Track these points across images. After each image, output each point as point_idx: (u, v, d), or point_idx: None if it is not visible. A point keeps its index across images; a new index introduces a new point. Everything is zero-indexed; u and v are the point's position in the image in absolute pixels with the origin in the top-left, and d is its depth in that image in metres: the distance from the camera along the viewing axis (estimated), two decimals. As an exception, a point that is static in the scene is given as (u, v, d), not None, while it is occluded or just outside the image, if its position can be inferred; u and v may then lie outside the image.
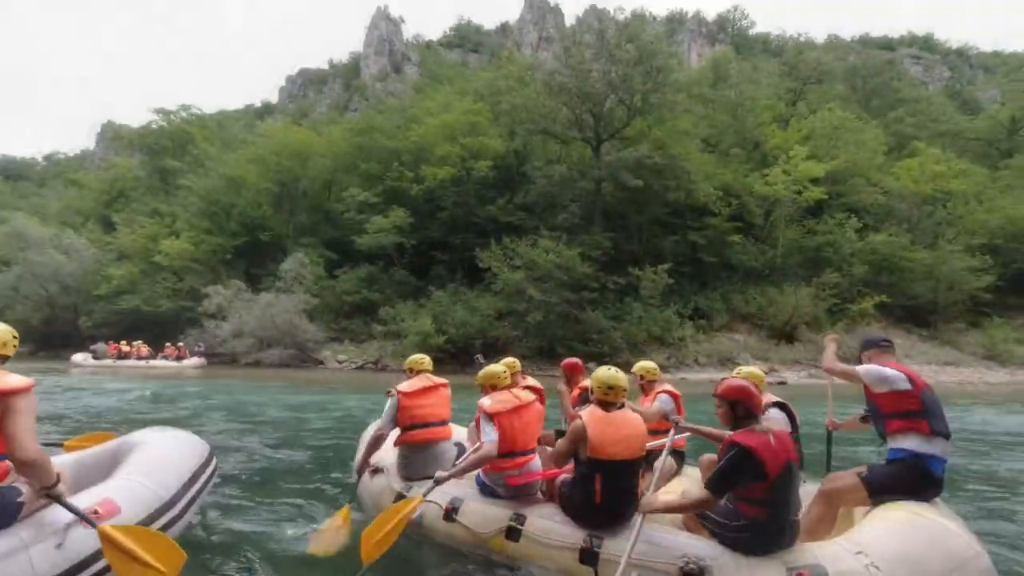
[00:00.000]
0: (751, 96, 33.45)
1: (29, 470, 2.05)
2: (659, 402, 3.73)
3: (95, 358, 22.56)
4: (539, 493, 3.06)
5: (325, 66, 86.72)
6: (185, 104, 44.30)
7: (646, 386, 3.99)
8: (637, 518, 2.42)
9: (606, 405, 2.69)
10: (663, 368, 20.37)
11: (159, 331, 26.94)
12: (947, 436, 2.49)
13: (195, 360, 23.11)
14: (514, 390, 3.28)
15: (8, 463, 2.09)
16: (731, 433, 2.31)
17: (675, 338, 22.18)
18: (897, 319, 24.94)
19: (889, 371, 2.57)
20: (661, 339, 22.09)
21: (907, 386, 2.52)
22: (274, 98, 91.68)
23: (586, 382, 3.97)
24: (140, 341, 24.37)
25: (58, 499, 2.17)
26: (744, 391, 2.33)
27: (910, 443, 2.47)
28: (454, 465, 3.11)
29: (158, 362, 22.42)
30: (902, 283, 24.67)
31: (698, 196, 25.59)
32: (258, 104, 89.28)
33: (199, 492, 2.86)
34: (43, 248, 30.22)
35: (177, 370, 21.05)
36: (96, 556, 2.13)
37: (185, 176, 35.63)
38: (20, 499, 2.10)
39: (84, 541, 2.11)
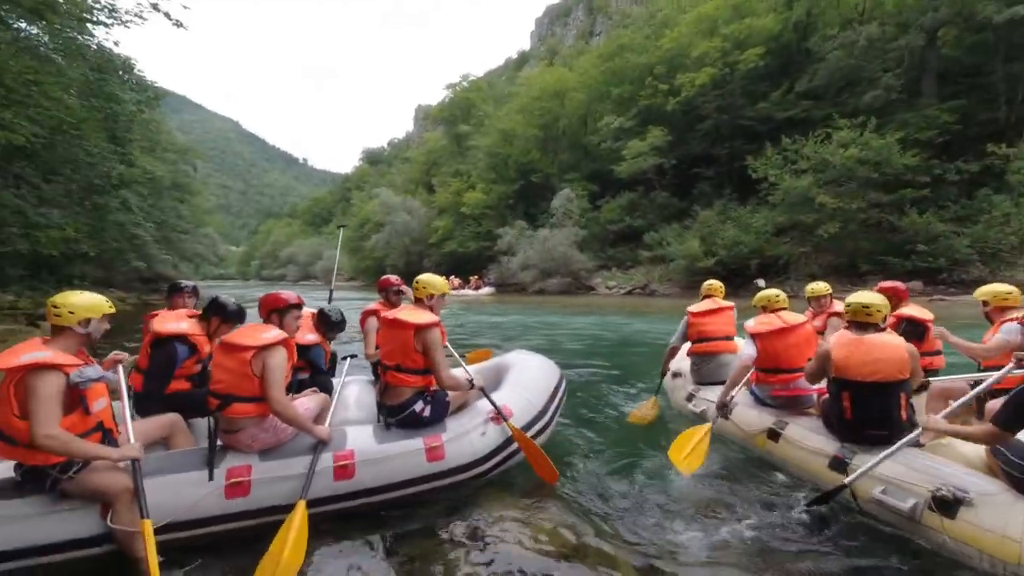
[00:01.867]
0: None
1: (450, 387, 2.90)
2: (1002, 332, 2.99)
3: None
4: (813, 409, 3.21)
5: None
6: (464, 74, 52.15)
7: (992, 313, 3.19)
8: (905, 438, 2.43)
9: (859, 327, 2.70)
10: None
11: (471, 267, 34.43)
12: None
13: (487, 289, 28.83)
14: (781, 313, 3.43)
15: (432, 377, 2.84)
16: None
17: (1078, 240, 15.06)
18: None
19: None
20: (1047, 243, 15.35)
21: None
22: (527, 44, 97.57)
23: (910, 310, 3.50)
24: (454, 275, 32.05)
25: (485, 393, 3.02)
26: None
27: None
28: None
29: (463, 291, 28.86)
30: None
31: None
32: (515, 55, 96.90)
33: (558, 406, 3.47)
34: (398, 212, 42.03)
35: (475, 297, 26.66)
36: (504, 445, 2.87)
37: (472, 137, 42.79)
38: (447, 399, 2.95)
39: (496, 433, 2.88)
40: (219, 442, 2.42)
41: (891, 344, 2.60)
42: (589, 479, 3.07)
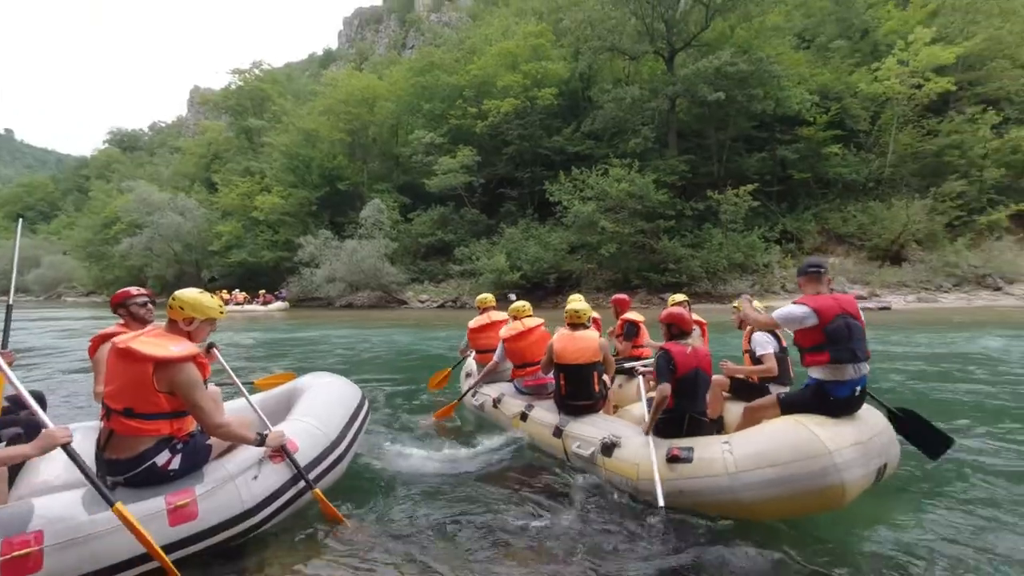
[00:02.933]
0: (862, -29, 28.06)
1: (227, 438, 2.30)
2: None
3: (206, 305, 26.68)
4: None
5: (379, 2, 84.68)
6: (256, 61, 46.01)
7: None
8: (603, 412, 3.47)
9: (572, 326, 3.63)
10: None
11: (266, 280, 30.16)
12: (859, 359, 2.57)
13: (278, 304, 25.90)
14: (523, 319, 4.33)
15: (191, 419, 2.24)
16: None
17: (759, 264, 20.93)
18: (1038, 230, 21.44)
19: (797, 310, 2.64)
20: (743, 266, 20.96)
21: (813, 321, 2.60)
22: (334, 44, 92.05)
23: (631, 315, 4.73)
24: (238, 290, 27.83)
25: (288, 454, 2.44)
26: (675, 316, 3.05)
27: (816, 373, 2.65)
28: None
29: (249, 307, 25.36)
30: (1049, 188, 20.87)
31: (790, 104, 22.65)
32: (320, 52, 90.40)
33: (357, 432, 3.13)
34: (164, 211, 34.24)
35: (265, 313, 23.61)
36: (286, 486, 2.39)
37: (267, 133, 37.81)
38: (208, 442, 2.33)
39: (274, 473, 2.39)
40: None
41: (590, 337, 3.55)
42: (390, 516, 2.71)
